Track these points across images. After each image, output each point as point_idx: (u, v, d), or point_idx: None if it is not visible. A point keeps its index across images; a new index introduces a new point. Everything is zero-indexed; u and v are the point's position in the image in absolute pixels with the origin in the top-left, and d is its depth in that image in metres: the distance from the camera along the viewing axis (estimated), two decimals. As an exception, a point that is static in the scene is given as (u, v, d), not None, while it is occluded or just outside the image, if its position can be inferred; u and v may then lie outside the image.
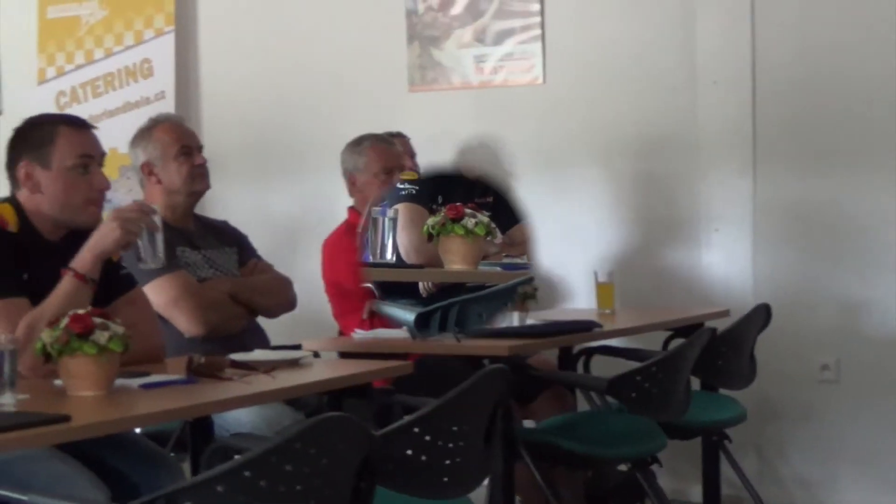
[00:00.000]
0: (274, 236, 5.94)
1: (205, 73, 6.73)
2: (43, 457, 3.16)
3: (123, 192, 6.39)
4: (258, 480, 2.28)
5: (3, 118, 7.08)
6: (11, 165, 3.53)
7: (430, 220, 4.15)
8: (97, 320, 2.98)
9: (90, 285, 3.34)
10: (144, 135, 4.46)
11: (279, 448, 2.30)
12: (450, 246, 4.21)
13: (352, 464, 2.49)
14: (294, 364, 3.51)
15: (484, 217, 4.16)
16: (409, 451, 2.86)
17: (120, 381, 3.06)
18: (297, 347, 4.09)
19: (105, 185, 3.54)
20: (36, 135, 3.50)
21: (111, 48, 6.82)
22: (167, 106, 6.45)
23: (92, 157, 3.51)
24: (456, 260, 4.15)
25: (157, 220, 3.44)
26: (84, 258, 3.38)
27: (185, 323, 4.25)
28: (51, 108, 6.67)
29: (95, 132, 3.58)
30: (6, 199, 3.53)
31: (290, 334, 4.65)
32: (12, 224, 3.46)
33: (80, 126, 3.56)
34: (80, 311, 2.99)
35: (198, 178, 4.48)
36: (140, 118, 5.19)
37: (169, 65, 6.64)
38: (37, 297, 3.37)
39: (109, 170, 6.66)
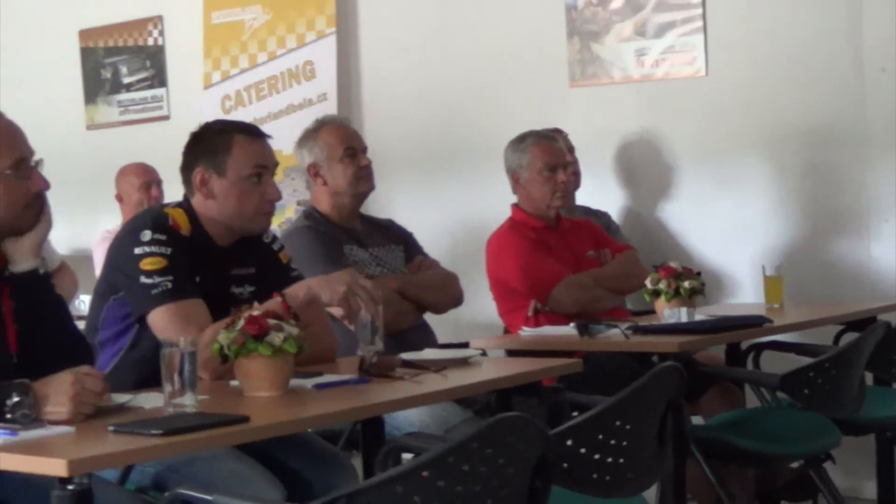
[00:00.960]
0: (437, 234, 5.97)
1: (366, 73, 6.78)
2: (221, 456, 3.21)
3: (288, 192, 6.49)
4: (436, 481, 2.29)
5: (170, 123, 7.24)
6: (187, 170, 3.59)
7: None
8: (272, 322, 3.03)
9: (289, 317, 3.32)
10: (310, 136, 4.52)
11: (457, 448, 2.31)
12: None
13: (528, 463, 2.49)
14: (464, 363, 3.53)
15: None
16: (583, 450, 2.86)
17: (294, 382, 3.11)
18: (465, 345, 4.10)
19: (277, 196, 3.58)
20: (213, 142, 3.55)
21: (274, 51, 6.91)
22: (329, 107, 6.53)
23: (266, 167, 3.56)
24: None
25: (379, 316, 3.38)
26: (297, 292, 3.41)
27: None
28: (216, 113, 6.80)
29: (270, 141, 3.62)
30: (179, 204, 3.60)
31: (453, 333, 4.67)
32: (185, 229, 3.53)
33: (255, 135, 3.60)
34: (255, 313, 3.04)
35: (363, 180, 4.52)
36: (303, 120, 5.28)
37: (331, 66, 6.71)
38: (204, 301, 3.44)
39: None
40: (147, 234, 3.44)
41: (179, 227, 3.51)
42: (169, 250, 3.42)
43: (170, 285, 3.38)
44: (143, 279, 3.39)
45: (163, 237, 3.44)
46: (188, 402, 2.81)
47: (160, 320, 3.37)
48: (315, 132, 4.51)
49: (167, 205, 3.61)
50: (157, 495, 3.28)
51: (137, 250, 3.42)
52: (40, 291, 3.10)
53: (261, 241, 3.69)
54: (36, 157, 3.02)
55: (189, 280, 3.44)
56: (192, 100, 7.10)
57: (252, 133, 3.60)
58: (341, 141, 4.49)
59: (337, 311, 3.49)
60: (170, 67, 7.43)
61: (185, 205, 3.59)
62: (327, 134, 4.49)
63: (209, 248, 3.56)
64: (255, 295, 3.53)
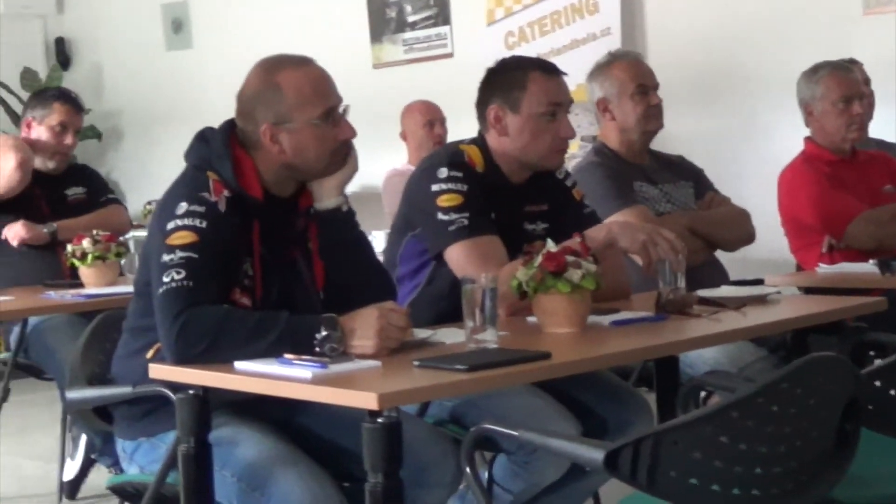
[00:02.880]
0: (723, 171, 5.86)
1: (651, 5, 6.68)
2: (518, 391, 3.25)
3: (572, 128, 6.47)
4: (745, 421, 2.25)
5: (454, 61, 7.29)
6: (482, 106, 3.60)
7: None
8: (570, 258, 3.02)
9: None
10: (602, 70, 4.47)
11: (767, 389, 2.26)
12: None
13: (838, 404, 2.42)
14: (762, 300, 3.46)
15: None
16: (893, 392, 2.76)
17: (592, 318, 3.10)
18: (758, 283, 4.02)
19: (571, 134, 3.57)
20: (508, 78, 3.55)
21: (558, -15, 6.87)
22: (613, 42, 6.46)
23: (560, 104, 3.54)
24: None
25: (681, 265, 3.35)
26: (597, 235, 3.40)
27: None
28: (499, 50, 6.81)
29: (565, 78, 3.60)
30: (473, 141, 3.62)
31: (741, 270, 4.58)
32: (479, 165, 3.55)
33: (551, 72, 3.58)
34: (553, 250, 3.05)
35: (652, 118, 4.45)
36: (586, 56, 5.24)
37: (615, 0, 6.64)
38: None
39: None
40: (444, 172, 3.47)
41: (474, 164, 3.53)
42: (465, 187, 3.45)
43: (466, 222, 3.41)
44: (440, 216, 3.43)
45: (459, 174, 3.47)
46: (489, 337, 2.84)
47: (457, 256, 3.41)
48: (607, 66, 4.46)
49: (462, 141, 3.63)
50: (454, 429, 3.34)
51: (434, 187, 3.46)
52: (344, 229, 3.18)
53: (554, 178, 3.68)
54: (343, 104, 3.09)
55: (485, 216, 3.46)
56: (475, 37, 7.13)
57: (548, 70, 3.58)
58: (633, 77, 4.42)
59: (636, 259, 3.46)
60: (453, 5, 7.47)
61: (480, 141, 3.61)
62: (619, 69, 4.44)
63: (503, 184, 3.57)
64: (548, 232, 3.52)
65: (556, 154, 3.57)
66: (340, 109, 3.07)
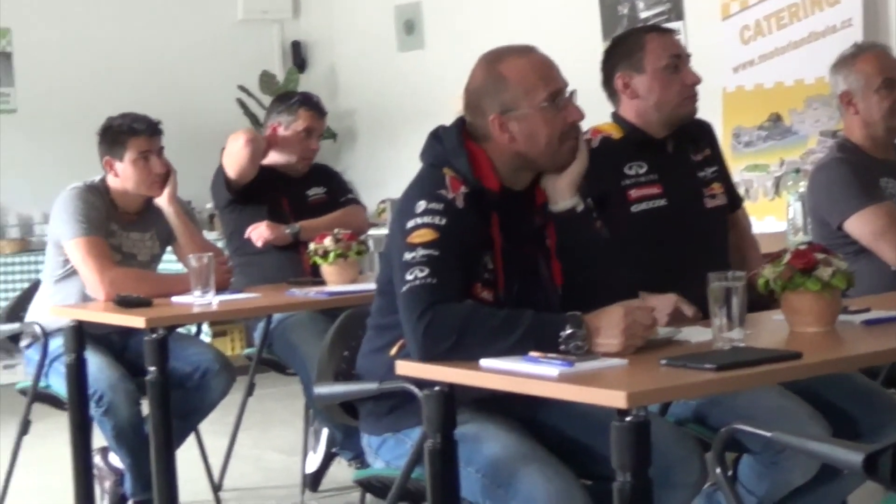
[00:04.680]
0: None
1: (895, -3, 6.49)
2: (765, 391, 3.19)
3: (810, 122, 6.34)
4: None
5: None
6: (608, 82, 3.75)
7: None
8: (819, 256, 2.96)
9: None
10: (847, 63, 4.34)
11: None
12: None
13: None
14: None
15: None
16: None
17: (841, 318, 3.03)
18: None
19: (697, 79, 3.67)
20: (626, 46, 3.74)
21: (795, -22, 6.72)
22: (854, 34, 6.27)
23: (679, 56, 3.69)
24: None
25: None
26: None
27: (891, 255, 4.11)
28: (735, 44, 6.73)
29: (677, 37, 3.83)
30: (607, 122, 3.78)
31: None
32: (615, 133, 3.71)
33: (664, 31, 3.82)
34: (803, 248, 2.99)
35: (896, 113, 4.32)
36: (825, 49, 5.11)
37: (856, -10, 6.47)
38: (666, 183, 3.66)
39: (794, 101, 6.63)
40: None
41: (611, 133, 3.71)
42: None
43: None
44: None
45: None
46: (737, 336, 2.80)
47: None
48: (852, 59, 4.32)
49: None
50: (696, 428, 3.31)
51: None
52: (581, 229, 3.17)
53: (701, 126, 3.85)
54: (569, 89, 3.10)
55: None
56: (710, 32, 7.02)
57: (660, 30, 3.84)
58: (880, 70, 4.28)
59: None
60: (686, 0, 7.38)
61: (614, 116, 3.76)
62: (864, 62, 4.30)
63: (646, 142, 3.71)
64: (718, 175, 3.82)
65: (688, 101, 3.71)
66: (567, 94, 3.08)
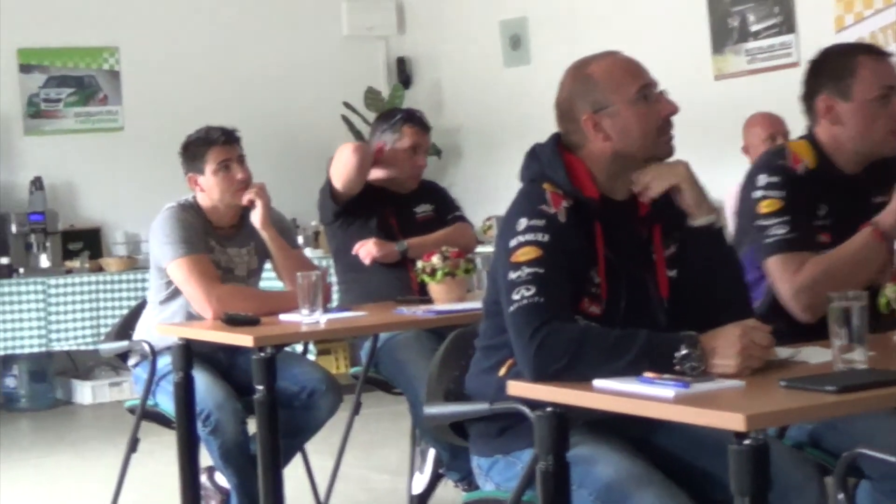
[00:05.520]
0: None
1: None
2: (885, 415, 3.10)
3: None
4: None
5: (800, 70, 7.07)
6: (809, 98, 3.48)
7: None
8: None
9: (887, 244, 3.20)
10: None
11: None
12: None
13: None
14: None
15: None
16: None
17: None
18: None
19: None
20: (836, 66, 3.43)
21: (909, -10, 6.59)
22: (973, 45, 6.15)
23: (893, 87, 3.40)
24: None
25: None
26: (888, 217, 3.29)
27: None
28: (848, 56, 6.61)
29: (894, 60, 3.47)
30: (803, 136, 3.52)
31: None
32: (809, 159, 3.44)
33: (879, 55, 3.46)
34: None
35: None
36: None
37: (975, 0, 6.33)
38: (836, 232, 3.38)
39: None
40: (762, 179, 3.40)
41: (797, 162, 3.42)
42: (783, 193, 3.37)
43: (782, 233, 3.34)
44: (761, 222, 3.37)
45: (776, 179, 3.39)
46: (858, 357, 2.71)
47: (772, 270, 3.36)
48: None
49: (791, 140, 3.56)
50: (813, 452, 3.22)
51: (755, 194, 3.41)
52: (715, 245, 3.10)
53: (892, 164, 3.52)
54: (659, 88, 3.05)
55: (806, 225, 3.37)
56: (823, 44, 6.89)
57: (876, 52, 3.47)
58: None
59: None
60: (799, 12, 7.27)
61: (809, 136, 3.50)
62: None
63: (836, 177, 3.46)
64: None
65: (892, 137, 3.42)
66: (657, 90, 3.03)
